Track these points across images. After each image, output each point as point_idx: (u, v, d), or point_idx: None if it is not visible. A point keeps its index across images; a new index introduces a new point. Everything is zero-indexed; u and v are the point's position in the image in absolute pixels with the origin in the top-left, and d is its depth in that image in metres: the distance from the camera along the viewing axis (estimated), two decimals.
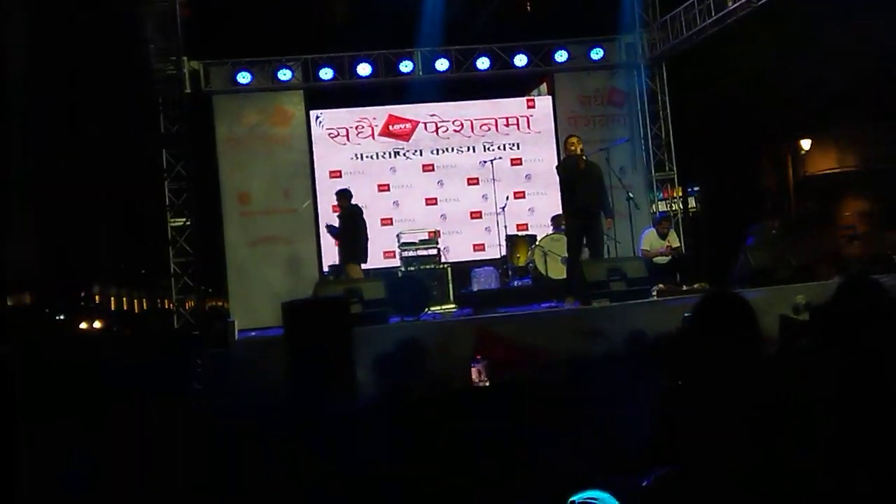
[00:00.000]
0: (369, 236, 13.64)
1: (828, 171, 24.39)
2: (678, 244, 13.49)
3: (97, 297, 42.06)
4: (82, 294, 38.40)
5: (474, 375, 8.83)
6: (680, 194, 16.74)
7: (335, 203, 14.90)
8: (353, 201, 13.52)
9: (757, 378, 3.06)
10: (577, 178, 11.04)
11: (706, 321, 3.16)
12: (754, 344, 3.16)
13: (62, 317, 32.22)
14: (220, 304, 21.04)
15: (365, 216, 13.57)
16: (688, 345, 3.26)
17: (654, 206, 15.79)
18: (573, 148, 11.17)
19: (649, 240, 13.02)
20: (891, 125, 21.85)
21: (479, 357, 9.06)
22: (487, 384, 8.88)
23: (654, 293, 11.13)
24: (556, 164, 12.44)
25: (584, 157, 11.12)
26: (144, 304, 44.50)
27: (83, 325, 28.75)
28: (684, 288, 11.87)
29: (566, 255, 11.76)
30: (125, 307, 43.20)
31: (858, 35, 17.49)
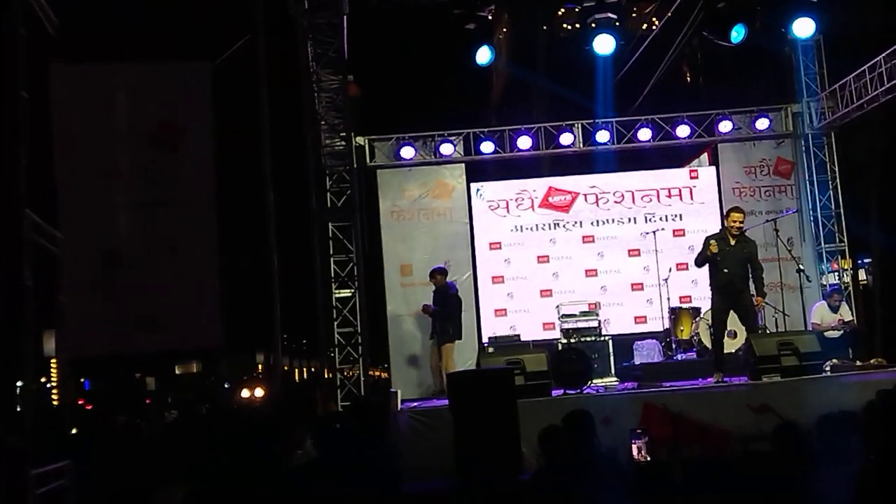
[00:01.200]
0: (528, 308, 13.69)
1: None
2: (851, 318, 12.98)
3: (260, 367, 43.30)
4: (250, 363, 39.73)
5: (634, 451, 8.65)
6: (850, 266, 16.12)
7: (495, 274, 15.08)
8: (450, 276, 13.95)
9: None
10: (721, 253, 10.79)
11: None
12: None
13: (227, 385, 33.29)
14: (381, 374, 21.35)
15: (522, 287, 13.60)
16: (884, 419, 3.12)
17: (824, 279, 15.27)
18: (728, 223, 10.99)
19: (820, 313, 12.59)
20: None
21: (639, 431, 8.89)
22: (648, 459, 8.69)
23: (828, 368, 10.71)
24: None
25: (735, 233, 10.84)
26: (305, 373, 45.47)
27: (245, 394, 29.48)
28: (858, 364, 11.39)
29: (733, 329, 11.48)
30: (291, 376, 44.24)
31: None
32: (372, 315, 15.35)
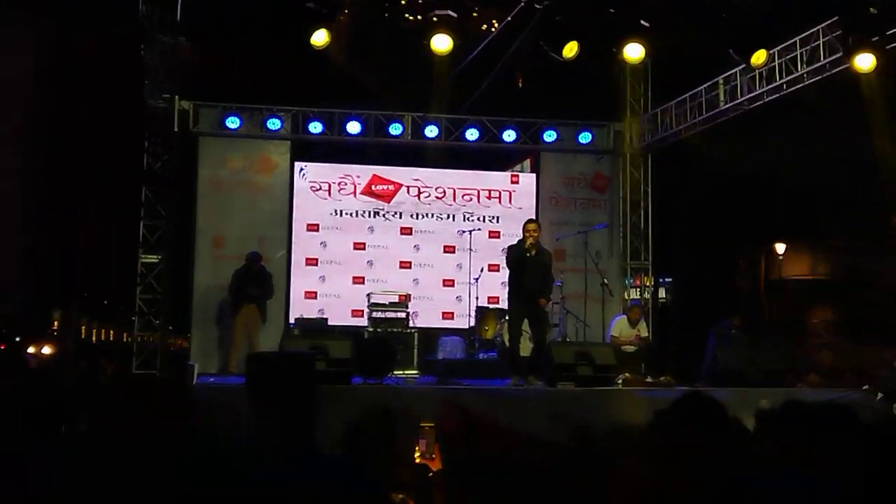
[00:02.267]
0: (339, 294, 13.67)
1: (800, 277, 24.61)
2: (647, 334, 13.50)
3: (56, 323, 41.52)
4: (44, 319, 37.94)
5: (422, 447, 8.67)
6: (651, 284, 16.80)
7: (309, 255, 14.97)
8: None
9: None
10: (521, 263, 11.04)
11: (680, 420, 3.13)
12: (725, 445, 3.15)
13: (18, 338, 31.73)
14: (182, 344, 20.81)
15: (336, 272, 13.56)
16: (659, 440, 3.22)
17: (626, 294, 15.84)
18: (526, 234, 11.16)
19: (619, 327, 13.04)
20: (863, 239, 22.11)
21: (427, 428, 8.93)
22: (433, 459, 8.74)
23: (620, 381, 11.10)
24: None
25: (535, 245, 11.10)
26: (104, 335, 43.95)
27: (31, 350, 28.09)
28: (649, 379, 11.86)
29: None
30: (85, 336, 42.61)
31: (842, 149, 17.77)
32: (178, 284, 14.93)
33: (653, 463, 3.20)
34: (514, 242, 11.41)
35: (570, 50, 12.14)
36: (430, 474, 6.99)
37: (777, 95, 12.81)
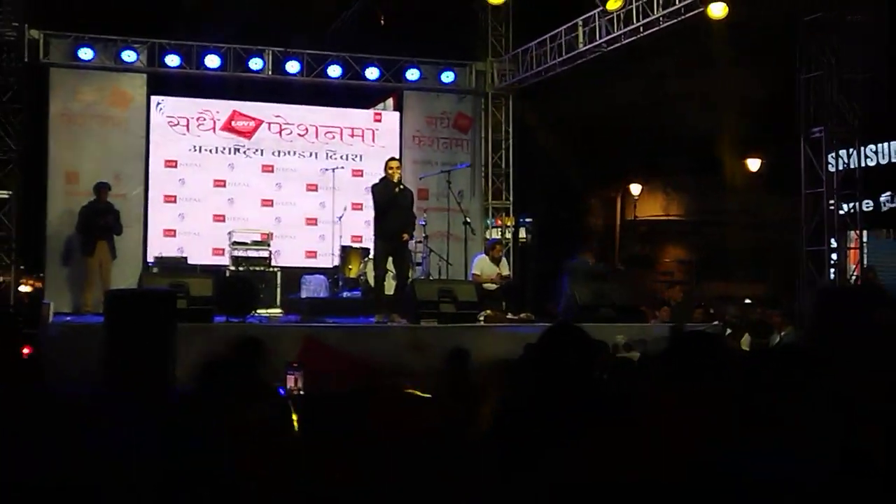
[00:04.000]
0: (199, 232, 13.49)
1: (653, 217, 25.43)
2: (508, 272, 13.73)
3: None
4: None
5: (290, 383, 8.70)
6: (512, 223, 17.08)
7: (167, 192, 14.67)
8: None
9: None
10: (390, 202, 11.09)
11: (550, 351, 3.23)
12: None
13: None
14: (35, 284, 20.16)
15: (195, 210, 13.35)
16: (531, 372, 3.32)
17: (487, 233, 16.06)
18: (391, 172, 11.16)
19: (481, 266, 13.20)
20: (713, 180, 22.94)
21: (295, 365, 8.95)
22: (302, 393, 8.78)
23: (482, 318, 11.30)
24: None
25: (399, 183, 11.15)
26: None
27: None
28: (510, 316, 12.10)
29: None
30: None
31: (697, 90, 18.34)
32: (29, 221, 14.40)
33: (524, 392, 3.31)
34: (377, 181, 11.39)
35: None
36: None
37: (634, 38, 13.06)
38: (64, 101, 14.49)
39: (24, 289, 16.70)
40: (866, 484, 2.62)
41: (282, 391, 7.06)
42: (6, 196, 13.89)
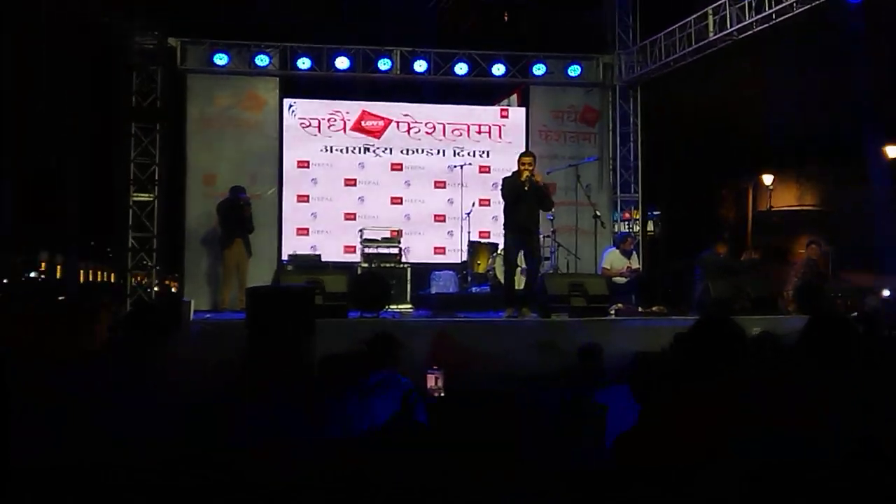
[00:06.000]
0: (331, 230, 13.83)
1: (787, 208, 24.81)
2: (638, 266, 13.61)
3: (43, 265, 41.51)
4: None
5: (430, 383, 8.79)
6: (640, 216, 16.90)
7: (300, 192, 15.02)
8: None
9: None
10: (519, 197, 11.06)
11: (703, 344, 3.22)
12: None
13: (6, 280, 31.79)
14: (173, 284, 20.88)
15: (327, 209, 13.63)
16: (682, 365, 3.31)
17: (616, 227, 15.93)
18: (522, 167, 11.08)
19: (611, 259, 13.13)
20: (849, 170, 22.26)
21: (435, 367, 9.04)
22: (442, 395, 8.86)
23: (613, 312, 11.24)
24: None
25: (530, 178, 11.10)
26: (98, 276, 44.01)
27: None
28: (641, 310, 12.01)
29: (525, 266, 11.81)
30: (82, 279, 42.63)
31: (831, 80, 17.81)
32: (169, 223, 14.96)
33: (675, 385, 3.30)
34: (509, 175, 11.41)
35: None
36: None
37: (766, 25, 12.76)
38: (201, 105, 15.00)
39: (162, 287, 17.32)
40: None
41: (404, 380, 7.13)
42: (148, 199, 14.49)
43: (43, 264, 41.73)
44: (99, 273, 44.30)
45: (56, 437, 4.00)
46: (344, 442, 4.91)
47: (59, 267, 40.73)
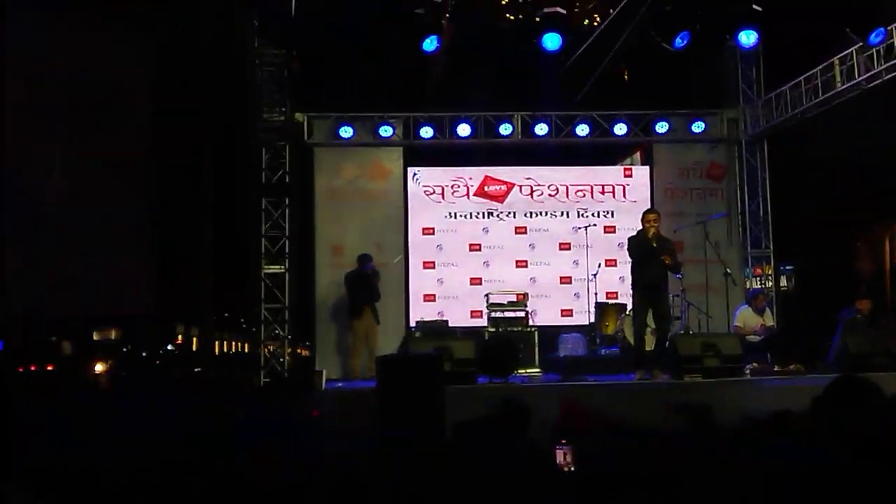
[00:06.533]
0: (457, 295, 14.04)
1: None
2: (772, 323, 13.24)
3: (179, 338, 42.71)
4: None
5: (559, 458, 8.58)
6: (772, 272, 16.47)
7: (426, 259, 15.14)
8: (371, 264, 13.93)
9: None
10: (646, 255, 10.94)
11: (839, 403, 3.10)
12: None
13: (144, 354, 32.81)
14: (304, 353, 21.23)
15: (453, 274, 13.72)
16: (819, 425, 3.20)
17: (748, 283, 15.58)
18: (648, 225, 11.05)
19: (743, 317, 12.81)
20: None
21: (563, 442, 8.87)
22: (573, 469, 8.68)
23: (748, 372, 10.95)
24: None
25: (657, 235, 10.99)
26: (232, 348, 45.04)
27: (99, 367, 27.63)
28: (777, 368, 11.65)
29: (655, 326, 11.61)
30: (216, 350, 43.66)
31: None
32: (299, 293, 15.28)
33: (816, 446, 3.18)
34: (634, 234, 11.32)
35: (682, 40, 12.01)
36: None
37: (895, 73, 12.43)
38: (328, 177, 15.36)
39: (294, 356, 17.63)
40: None
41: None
42: (279, 271, 14.86)
43: (180, 337, 42.95)
44: (234, 344, 45.37)
45: None
46: None
47: (194, 339, 41.80)
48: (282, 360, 14.96)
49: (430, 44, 12.03)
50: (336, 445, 8.49)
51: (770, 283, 16.08)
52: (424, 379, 7.93)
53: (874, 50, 12.49)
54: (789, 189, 17.53)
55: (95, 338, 39.70)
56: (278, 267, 14.91)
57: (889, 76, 12.53)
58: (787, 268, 22.39)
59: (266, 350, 14.96)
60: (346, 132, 15.24)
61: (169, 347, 40.71)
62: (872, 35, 11.85)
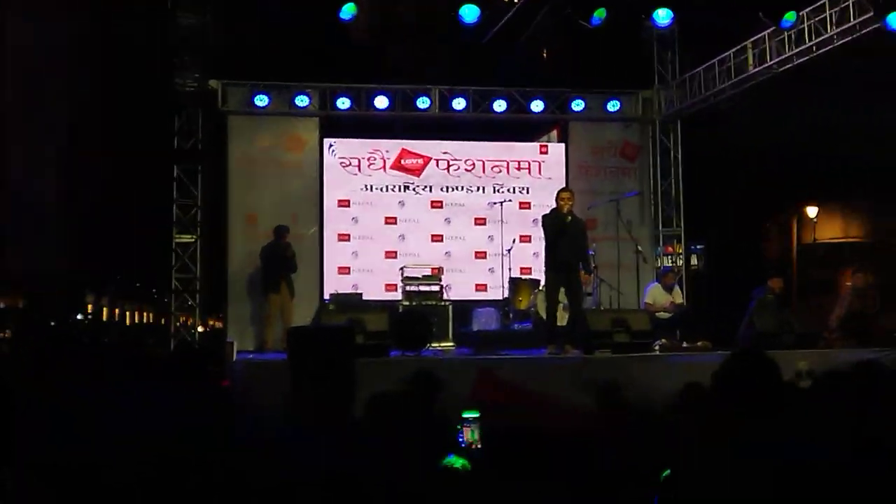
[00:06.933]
0: (372, 268, 13.98)
1: (832, 241, 24.51)
2: (681, 300, 13.48)
3: (89, 307, 41.98)
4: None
5: (465, 435, 8.56)
6: (683, 251, 16.76)
7: (341, 231, 15.04)
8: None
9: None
10: (560, 232, 11.04)
11: (736, 380, 3.15)
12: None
13: (53, 323, 32.16)
14: (216, 324, 21.02)
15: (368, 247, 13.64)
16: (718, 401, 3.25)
17: (658, 261, 15.82)
18: (562, 203, 11.12)
19: (653, 294, 13.02)
20: (889, 202, 22.00)
21: (470, 419, 8.86)
22: (480, 447, 8.70)
23: (657, 348, 11.12)
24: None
25: (570, 213, 11.09)
26: (143, 318, 44.47)
27: None
28: (685, 345, 11.86)
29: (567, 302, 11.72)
30: (128, 321, 43.08)
31: (875, 110, 17.61)
32: (211, 263, 15.06)
33: (713, 424, 3.23)
34: (548, 212, 11.40)
35: (599, 16, 12.09)
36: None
37: (806, 58, 12.68)
38: (243, 146, 15.12)
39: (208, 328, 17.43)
40: None
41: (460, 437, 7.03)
42: (191, 240, 14.63)
43: (89, 307, 42.23)
44: (144, 314, 44.77)
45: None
46: None
47: (104, 309, 41.19)
48: (193, 331, 14.75)
49: (347, 12, 11.90)
50: (246, 416, 8.42)
51: (680, 262, 16.35)
52: (336, 351, 7.91)
53: (786, 34, 12.71)
54: (702, 170, 17.82)
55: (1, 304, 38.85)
56: (190, 237, 14.66)
57: (800, 60, 12.78)
58: (698, 247, 22.79)
59: (177, 321, 14.74)
60: (261, 101, 15.01)
61: (79, 317, 39.92)
62: (784, 19, 12.09)
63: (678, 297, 13.27)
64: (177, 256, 14.64)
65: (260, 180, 15.03)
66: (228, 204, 14.97)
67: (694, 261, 21.55)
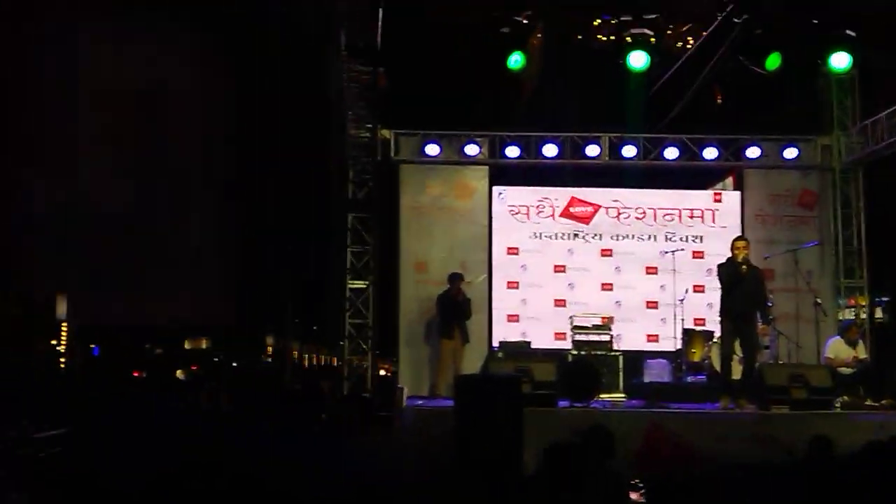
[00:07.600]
0: (541, 317, 14.22)
1: None
2: (865, 355, 12.86)
3: (270, 349, 43.40)
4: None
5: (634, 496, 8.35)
6: (867, 303, 16.00)
7: (510, 279, 15.07)
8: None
9: None
10: (736, 282, 10.75)
11: None
12: None
13: (235, 364, 33.46)
14: (388, 368, 21.33)
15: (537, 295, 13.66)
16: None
17: (840, 314, 15.16)
18: (737, 252, 10.90)
19: (835, 348, 12.46)
20: None
21: (639, 483, 8.63)
22: None
23: (838, 405, 10.64)
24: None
25: (746, 262, 10.79)
26: (317, 361, 45.57)
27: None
28: (869, 402, 11.30)
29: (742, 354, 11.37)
30: (305, 363, 44.31)
31: None
32: (383, 309, 15.33)
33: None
34: (723, 261, 11.13)
35: (773, 63, 11.79)
36: None
37: None
38: (413, 194, 15.39)
39: (380, 373, 17.73)
40: None
41: None
42: (363, 286, 14.95)
43: (269, 349, 43.62)
44: (323, 357, 45.97)
45: None
46: None
47: (289, 351, 42.38)
48: (365, 375, 15.01)
49: (515, 62, 12.00)
50: (414, 461, 8.49)
51: (864, 315, 15.61)
52: (503, 400, 7.88)
53: None
54: (886, 219, 17.05)
55: (187, 346, 40.67)
56: (362, 283, 14.99)
57: None
58: (883, 300, 21.76)
59: (350, 365, 15.05)
60: (432, 150, 15.27)
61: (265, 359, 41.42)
62: None
63: (862, 351, 12.65)
64: (350, 302, 14.95)
65: (430, 228, 15.24)
66: (399, 251, 15.25)
67: (878, 314, 20.55)
